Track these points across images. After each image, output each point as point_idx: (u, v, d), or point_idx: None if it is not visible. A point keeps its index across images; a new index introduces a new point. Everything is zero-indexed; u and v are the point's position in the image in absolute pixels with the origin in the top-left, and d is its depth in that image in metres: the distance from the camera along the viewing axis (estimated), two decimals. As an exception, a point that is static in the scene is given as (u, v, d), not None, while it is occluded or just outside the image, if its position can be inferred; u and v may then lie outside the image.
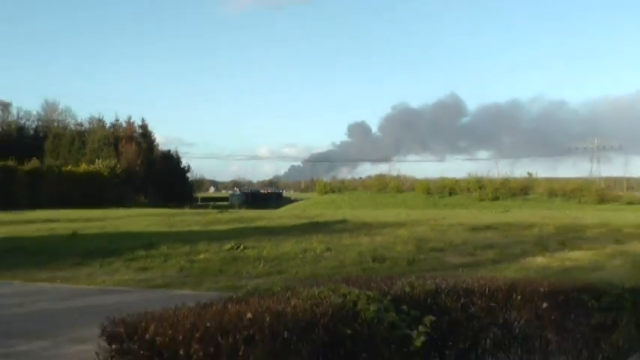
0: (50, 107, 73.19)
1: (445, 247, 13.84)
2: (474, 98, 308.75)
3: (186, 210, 37.35)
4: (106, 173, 50.67)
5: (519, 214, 31.02)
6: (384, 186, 63.22)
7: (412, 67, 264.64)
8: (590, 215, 28.25)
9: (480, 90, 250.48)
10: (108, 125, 66.08)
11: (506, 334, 4.07)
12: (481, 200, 53.93)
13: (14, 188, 40.35)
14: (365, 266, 10.86)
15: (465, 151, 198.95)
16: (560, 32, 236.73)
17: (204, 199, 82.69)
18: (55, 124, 70.88)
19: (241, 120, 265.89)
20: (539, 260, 11.75)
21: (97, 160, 52.59)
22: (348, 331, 3.21)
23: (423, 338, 3.43)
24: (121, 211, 32.95)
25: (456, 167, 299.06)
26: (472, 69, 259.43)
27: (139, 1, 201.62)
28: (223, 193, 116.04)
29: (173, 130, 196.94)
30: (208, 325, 2.80)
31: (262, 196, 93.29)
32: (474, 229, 18.77)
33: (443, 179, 61.25)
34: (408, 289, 3.89)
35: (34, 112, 72.51)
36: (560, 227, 19.04)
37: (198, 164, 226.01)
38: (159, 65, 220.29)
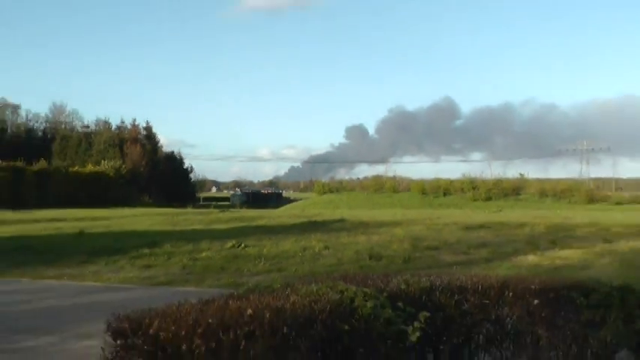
0: (58, 109, 73.75)
1: (440, 245, 13.98)
2: (468, 102, 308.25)
3: (189, 209, 37.51)
4: (111, 174, 50.89)
5: (511, 213, 31.28)
6: (381, 186, 63.48)
7: (408, 71, 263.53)
8: (579, 215, 28.47)
9: (474, 93, 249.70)
10: (113, 127, 66.72)
11: (498, 330, 4.14)
12: (474, 200, 54.14)
13: (23, 188, 40.50)
14: (362, 264, 10.98)
15: (459, 153, 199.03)
16: (551, 37, 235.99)
17: (206, 199, 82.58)
18: (63, 126, 71.36)
19: (242, 122, 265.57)
20: (531, 258, 11.88)
21: (102, 161, 52.89)
22: (346, 327, 3.27)
23: (418, 334, 3.51)
24: (126, 211, 33.03)
25: (451, 168, 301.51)
26: (466, 73, 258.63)
27: (143, 5, 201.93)
28: (225, 193, 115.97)
29: (175, 131, 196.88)
30: (210, 321, 2.86)
31: (263, 196, 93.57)
32: (468, 228, 18.93)
33: (438, 180, 61.40)
34: (403, 287, 3.97)
35: (43, 115, 73.24)
36: (550, 227, 19.22)
37: (201, 165, 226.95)
38: (162, 68, 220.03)
